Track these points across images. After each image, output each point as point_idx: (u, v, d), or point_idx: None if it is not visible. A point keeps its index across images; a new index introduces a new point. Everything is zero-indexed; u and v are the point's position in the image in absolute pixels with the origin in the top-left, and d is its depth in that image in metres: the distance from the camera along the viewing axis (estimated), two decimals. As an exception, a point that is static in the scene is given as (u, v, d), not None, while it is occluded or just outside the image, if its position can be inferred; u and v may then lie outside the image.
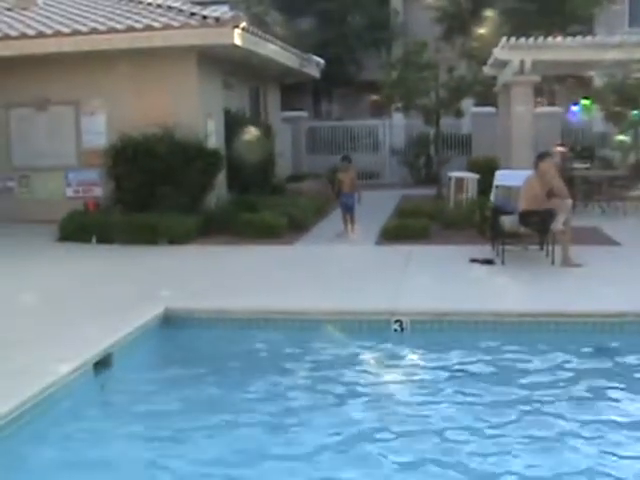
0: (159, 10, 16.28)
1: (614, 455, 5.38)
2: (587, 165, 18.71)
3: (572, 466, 5.24)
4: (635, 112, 18.55)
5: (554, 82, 24.51)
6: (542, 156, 11.24)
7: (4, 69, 15.83)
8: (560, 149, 17.53)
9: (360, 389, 6.78)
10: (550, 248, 11.09)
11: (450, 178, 17.15)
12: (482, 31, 21.97)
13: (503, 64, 17.41)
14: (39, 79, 16.07)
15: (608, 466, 5.22)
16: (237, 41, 15.09)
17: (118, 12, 16.43)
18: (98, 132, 16.06)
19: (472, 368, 7.23)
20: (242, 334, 8.32)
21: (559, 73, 20.27)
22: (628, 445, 5.57)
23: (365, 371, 7.25)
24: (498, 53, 16.74)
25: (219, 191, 15.88)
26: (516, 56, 16.26)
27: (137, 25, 15.19)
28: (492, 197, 13.15)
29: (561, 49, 16.19)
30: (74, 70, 15.84)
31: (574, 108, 21.34)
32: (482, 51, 19.59)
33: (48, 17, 16.72)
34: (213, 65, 16.43)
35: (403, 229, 13.58)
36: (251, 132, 17.17)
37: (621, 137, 18.80)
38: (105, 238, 13.49)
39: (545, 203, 10.80)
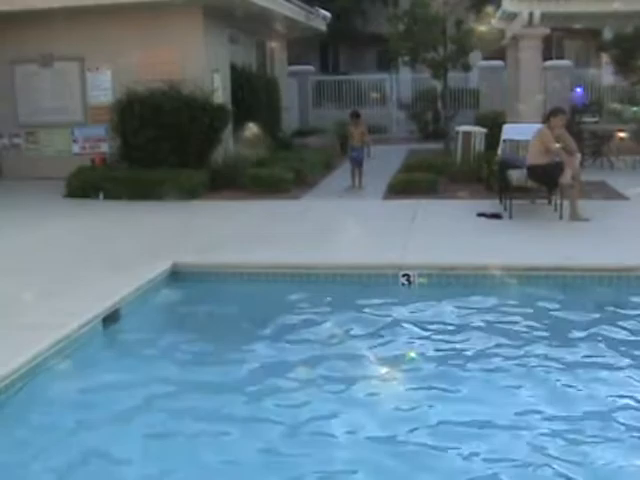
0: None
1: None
2: (596, 119, 18.55)
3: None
4: (635, 108, 18.41)
5: (564, 35, 24.22)
6: (555, 112, 11.18)
7: (8, 25, 15.71)
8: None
9: (368, 342, 6.80)
10: (558, 202, 11.06)
11: (458, 132, 17.04)
12: None
13: (512, 16, 17.20)
14: (43, 35, 15.90)
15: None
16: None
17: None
18: (104, 88, 15.97)
19: (479, 321, 7.24)
20: (249, 288, 8.35)
21: (568, 26, 20.01)
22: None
23: (373, 325, 7.25)
24: (507, 5, 16.54)
25: (226, 146, 15.82)
26: (525, 8, 16.03)
27: (141, -22, 15.01)
28: (500, 151, 13.09)
29: (570, 1, 15.97)
30: (78, 25, 15.66)
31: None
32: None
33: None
34: (219, 19, 16.26)
35: (410, 183, 13.55)
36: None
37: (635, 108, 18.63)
38: (112, 194, 13.48)
39: (554, 157, 10.76)
